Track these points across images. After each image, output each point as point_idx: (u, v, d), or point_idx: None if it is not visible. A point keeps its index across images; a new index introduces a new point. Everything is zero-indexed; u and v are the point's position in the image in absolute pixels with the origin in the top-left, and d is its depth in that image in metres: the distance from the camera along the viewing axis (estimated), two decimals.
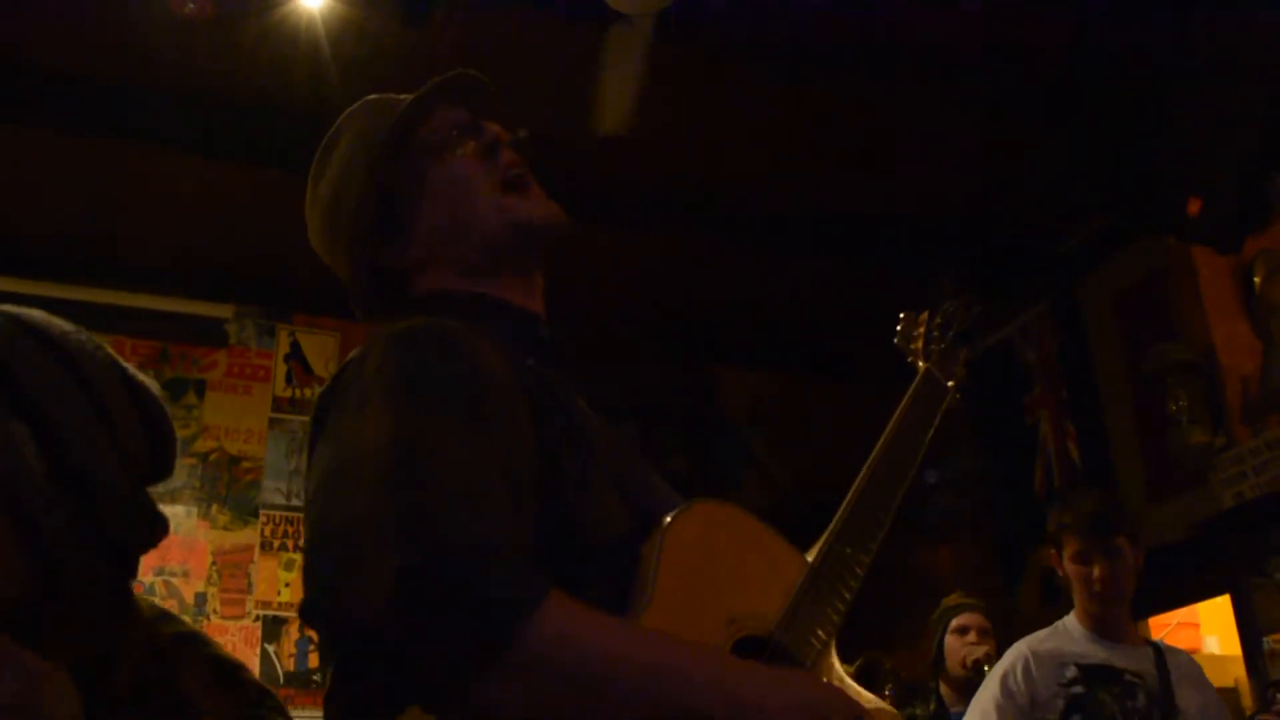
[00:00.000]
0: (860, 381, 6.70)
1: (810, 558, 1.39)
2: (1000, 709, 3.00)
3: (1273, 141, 4.37)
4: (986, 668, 3.66)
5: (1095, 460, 5.74)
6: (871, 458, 1.64)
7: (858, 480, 1.57)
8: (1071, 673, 3.01)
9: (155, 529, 1.18)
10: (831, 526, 1.49)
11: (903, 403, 1.79)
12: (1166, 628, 6.77)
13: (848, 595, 1.39)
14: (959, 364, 1.83)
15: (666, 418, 6.30)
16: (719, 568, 1.22)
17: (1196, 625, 7.16)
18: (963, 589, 4.75)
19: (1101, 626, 3.10)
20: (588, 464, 1.25)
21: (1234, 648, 4.98)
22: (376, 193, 1.43)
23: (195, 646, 1.21)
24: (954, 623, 4.32)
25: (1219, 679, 6.25)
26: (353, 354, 1.28)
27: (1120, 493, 5.50)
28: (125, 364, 1.25)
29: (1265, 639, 4.54)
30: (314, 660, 5.36)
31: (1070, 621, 3.17)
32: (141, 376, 1.27)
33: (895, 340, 1.90)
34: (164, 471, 1.27)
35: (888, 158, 5.12)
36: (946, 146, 5.03)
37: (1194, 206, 4.19)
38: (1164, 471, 5.27)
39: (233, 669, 1.22)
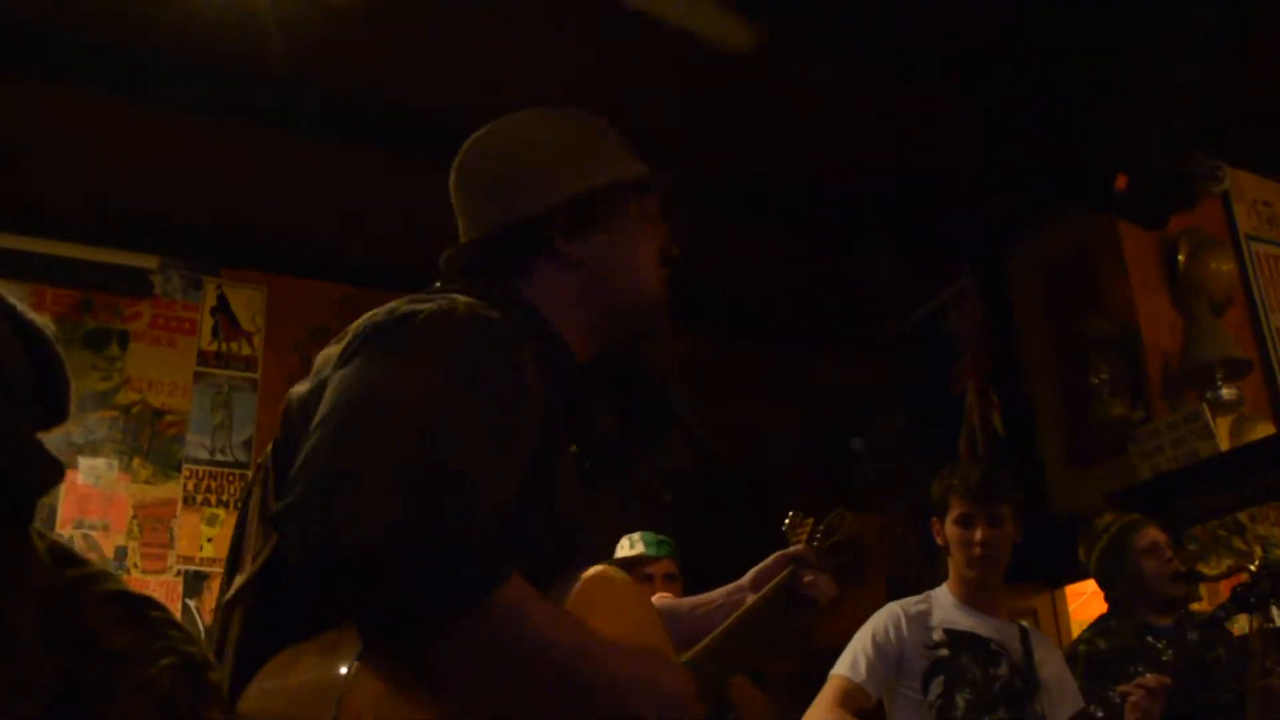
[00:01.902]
0: (787, 345, 6.74)
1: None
2: (869, 661, 3.05)
3: (1201, 121, 4.44)
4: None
5: (1018, 430, 5.82)
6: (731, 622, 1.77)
7: (722, 631, 1.72)
8: (939, 636, 3.08)
9: (47, 474, 1.15)
10: (705, 644, 1.67)
11: (764, 591, 1.86)
12: (1082, 597, 6.90)
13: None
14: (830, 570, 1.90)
15: (594, 377, 6.29)
16: (596, 622, 1.32)
17: None
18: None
19: (973, 596, 3.16)
20: (551, 494, 1.39)
21: None
22: (584, 196, 1.57)
23: (100, 584, 1.19)
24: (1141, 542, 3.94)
25: None
26: (419, 298, 1.36)
27: (1042, 462, 5.60)
28: (15, 303, 1.20)
29: None
30: None
31: (942, 590, 3.23)
32: (33, 315, 1.22)
33: (783, 528, 1.99)
34: (58, 415, 1.23)
35: (819, 124, 5.12)
36: (878, 113, 5.04)
37: (1121, 182, 4.24)
38: (1084, 442, 5.37)
39: (140, 603, 1.20)
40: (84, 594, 1.15)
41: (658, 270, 1.68)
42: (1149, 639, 3.48)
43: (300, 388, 1.39)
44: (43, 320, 1.23)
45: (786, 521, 2.01)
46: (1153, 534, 3.72)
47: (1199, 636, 3.19)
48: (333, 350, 1.38)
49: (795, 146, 5.29)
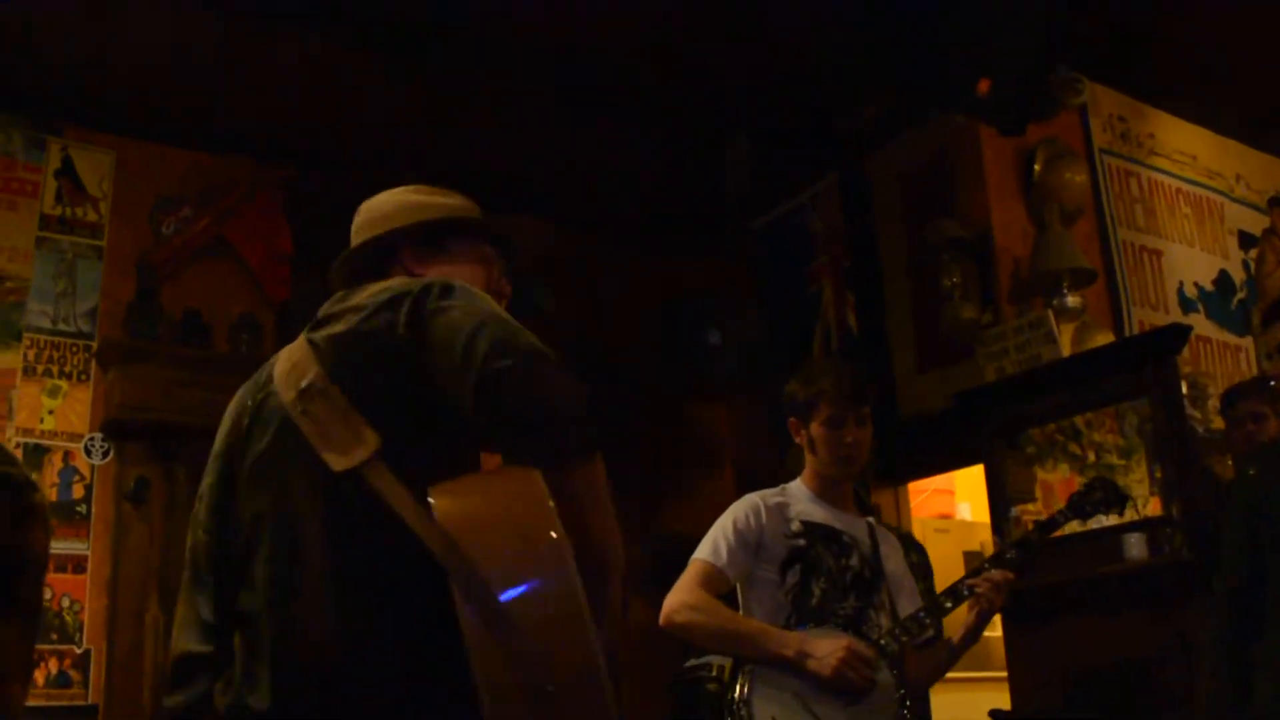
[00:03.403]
0: (648, 240, 6.75)
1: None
2: (730, 547, 3.13)
3: (1062, 32, 4.51)
4: None
5: (871, 329, 5.94)
6: None
7: None
8: (796, 526, 3.17)
9: None
10: None
11: None
12: (923, 493, 7.14)
13: None
14: None
15: None
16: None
17: (952, 493, 7.57)
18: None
19: (828, 492, 3.26)
20: None
21: (984, 515, 5.27)
22: (424, 224, 2.08)
23: None
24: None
25: (969, 543, 6.65)
26: (430, 281, 1.77)
27: (892, 361, 5.73)
28: None
29: (1012, 508, 4.82)
30: (78, 491, 5.20)
31: (796, 485, 3.31)
32: None
33: None
34: None
35: (687, 24, 5.08)
36: (742, 14, 5.01)
37: (983, 86, 4.30)
38: (934, 344, 5.50)
39: None
40: None
41: (492, 281, 2.09)
42: None
43: (287, 375, 1.79)
44: None
45: None
46: None
47: (1037, 536, 3.33)
48: (358, 303, 1.79)
49: (664, 44, 5.24)
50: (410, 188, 2.16)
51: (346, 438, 1.67)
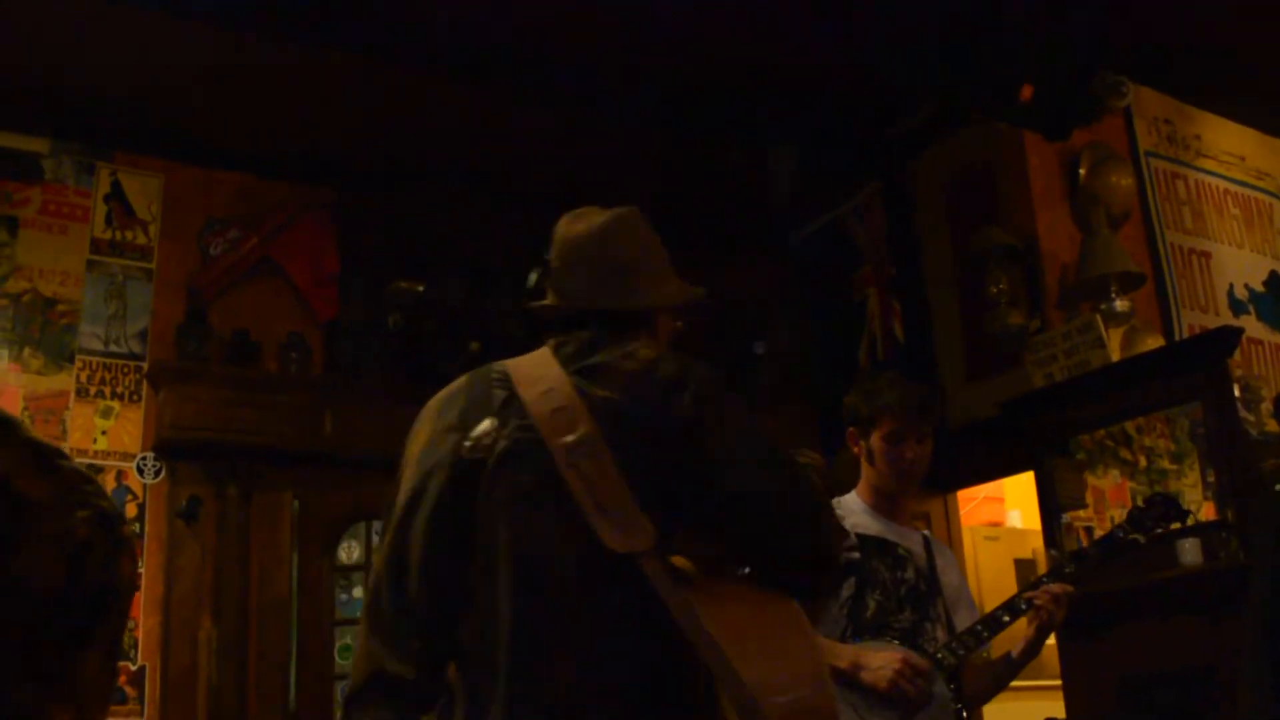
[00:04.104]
0: (694, 249, 6.74)
1: None
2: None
3: (1106, 36, 4.48)
4: None
5: (917, 338, 5.91)
6: None
7: None
8: (851, 540, 3.15)
9: None
10: None
11: None
12: (973, 501, 7.09)
13: None
14: None
15: (501, 274, 6.24)
16: None
17: (1001, 500, 7.52)
18: None
19: (883, 504, 3.24)
20: None
21: (1034, 522, 5.23)
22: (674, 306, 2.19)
23: (13, 430, 1.16)
24: None
25: (1020, 551, 6.61)
26: (706, 374, 1.89)
27: (939, 370, 5.70)
28: None
29: (1063, 515, 4.78)
30: (131, 510, 5.25)
31: (852, 497, 3.29)
32: None
33: None
34: None
35: (722, 27, 5.08)
36: (786, 19, 5.00)
37: (1026, 92, 4.28)
38: (981, 351, 5.47)
39: (51, 453, 1.18)
40: None
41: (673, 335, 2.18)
42: None
43: (546, 404, 1.78)
44: None
45: None
46: None
47: (1097, 551, 3.29)
48: (625, 366, 1.84)
49: (707, 54, 5.24)
50: (639, 219, 2.15)
51: (621, 516, 1.69)
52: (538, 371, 1.84)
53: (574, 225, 2.07)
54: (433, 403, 1.93)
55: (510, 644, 1.67)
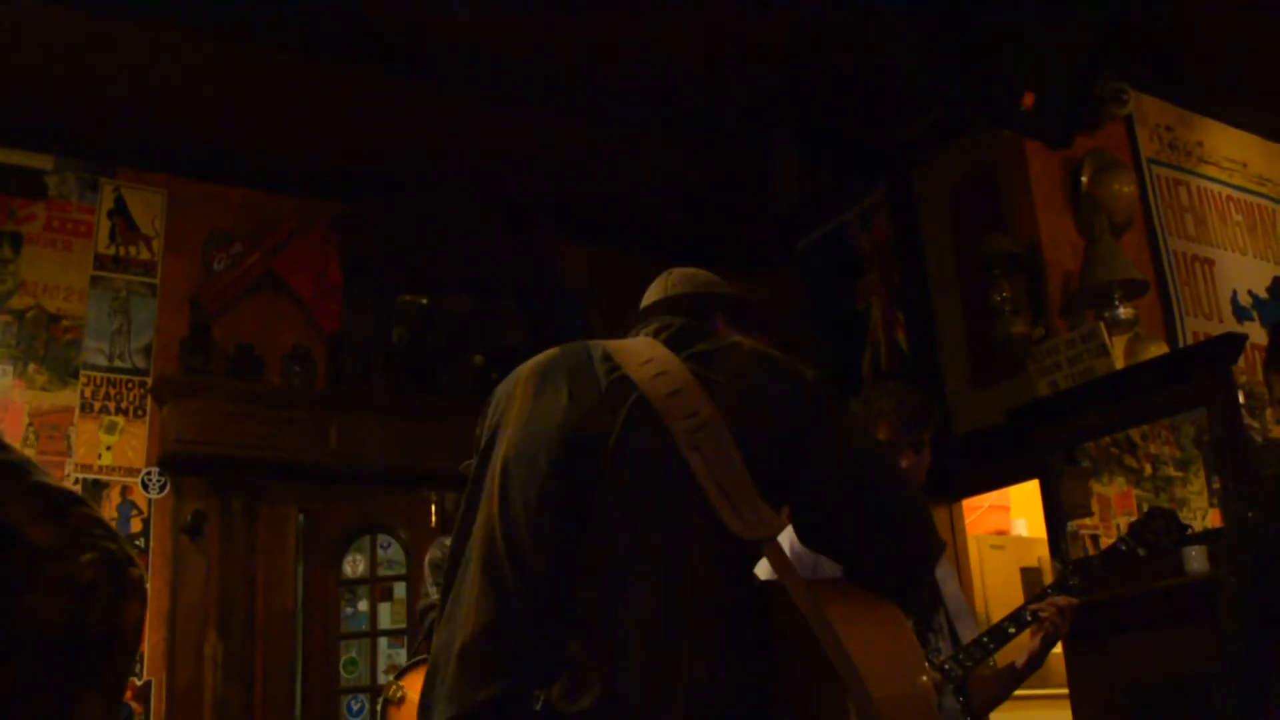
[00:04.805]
0: (694, 259, 6.74)
1: None
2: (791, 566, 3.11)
3: (1107, 44, 4.48)
4: None
5: (922, 346, 5.90)
6: None
7: None
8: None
9: None
10: None
11: None
12: (979, 510, 7.08)
13: None
14: None
15: (505, 290, 6.27)
16: None
17: (1007, 508, 7.50)
18: None
19: None
20: None
21: (1040, 530, 5.21)
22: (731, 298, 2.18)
23: (23, 476, 1.17)
24: None
25: (1025, 559, 6.59)
26: (811, 374, 1.87)
27: (943, 378, 5.69)
28: None
29: (1069, 523, 4.76)
30: (136, 525, 5.26)
31: None
32: None
33: None
34: None
35: (730, 42, 5.09)
36: (788, 31, 5.02)
37: (1028, 100, 4.28)
38: (985, 359, 5.46)
39: (63, 499, 1.18)
40: (5, 486, 1.13)
41: None
42: None
43: (661, 385, 1.73)
44: None
45: None
46: None
47: (1100, 563, 3.29)
48: (731, 359, 1.84)
49: (710, 62, 5.25)
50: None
51: (744, 500, 1.67)
52: (646, 353, 1.79)
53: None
54: (523, 371, 1.87)
55: (638, 626, 1.61)
